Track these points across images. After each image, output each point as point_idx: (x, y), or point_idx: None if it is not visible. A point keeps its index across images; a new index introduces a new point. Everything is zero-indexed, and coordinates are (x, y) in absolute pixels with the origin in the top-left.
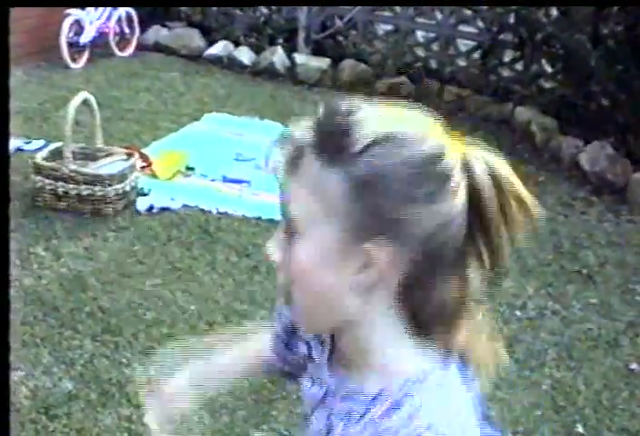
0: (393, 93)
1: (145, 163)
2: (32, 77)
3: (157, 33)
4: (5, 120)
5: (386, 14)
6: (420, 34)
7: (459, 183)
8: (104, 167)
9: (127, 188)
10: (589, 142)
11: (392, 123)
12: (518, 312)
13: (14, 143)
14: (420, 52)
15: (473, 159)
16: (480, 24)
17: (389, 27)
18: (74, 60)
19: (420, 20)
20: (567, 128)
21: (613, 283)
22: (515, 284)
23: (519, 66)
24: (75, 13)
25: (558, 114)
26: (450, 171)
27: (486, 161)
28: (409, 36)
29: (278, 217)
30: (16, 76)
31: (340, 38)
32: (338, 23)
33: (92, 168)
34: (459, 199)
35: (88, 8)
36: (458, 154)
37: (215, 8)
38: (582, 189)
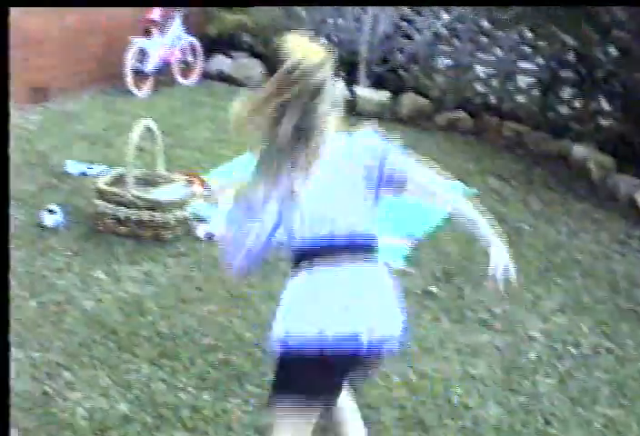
0: (452, 127)
1: (204, 190)
2: (97, 103)
3: (221, 62)
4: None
5: (447, 48)
6: (480, 70)
7: None
8: (164, 193)
9: (187, 214)
10: None
11: None
12: (572, 350)
13: (78, 168)
14: (480, 87)
15: None
16: (540, 60)
17: (449, 62)
18: (138, 87)
19: (480, 55)
20: (624, 166)
21: None
22: (569, 321)
23: (578, 104)
24: (140, 41)
25: (615, 152)
26: None
27: None
28: (469, 71)
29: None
30: (82, 101)
31: (400, 72)
32: (399, 56)
33: (153, 194)
34: None
35: (153, 37)
36: None
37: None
38: (638, 227)
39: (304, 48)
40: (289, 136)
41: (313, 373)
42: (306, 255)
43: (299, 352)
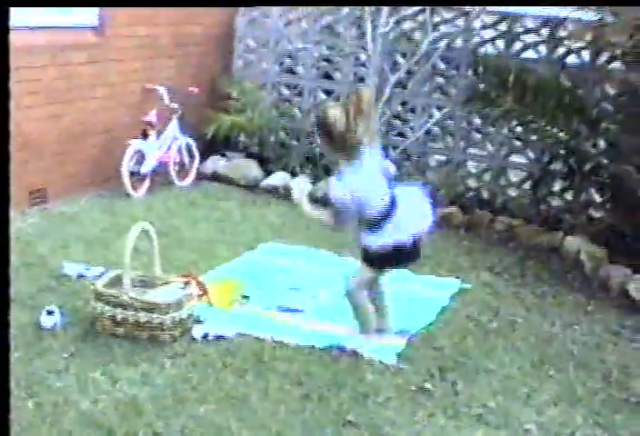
0: (444, 222)
1: (201, 292)
2: (94, 205)
3: (216, 163)
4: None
5: (439, 145)
6: (472, 165)
7: None
8: (161, 295)
9: (184, 316)
10: (638, 271)
11: None
12: None
13: (75, 269)
14: (472, 182)
15: None
16: (530, 154)
17: (442, 158)
18: (134, 189)
19: (472, 151)
20: (616, 257)
21: None
22: (563, 413)
23: (569, 196)
24: (136, 143)
25: (607, 243)
26: None
27: None
28: (461, 167)
29: (328, 346)
30: (79, 204)
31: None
32: (391, 153)
33: (150, 296)
34: None
35: (150, 139)
36: None
37: (272, 140)
38: (631, 317)
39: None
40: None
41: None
42: None
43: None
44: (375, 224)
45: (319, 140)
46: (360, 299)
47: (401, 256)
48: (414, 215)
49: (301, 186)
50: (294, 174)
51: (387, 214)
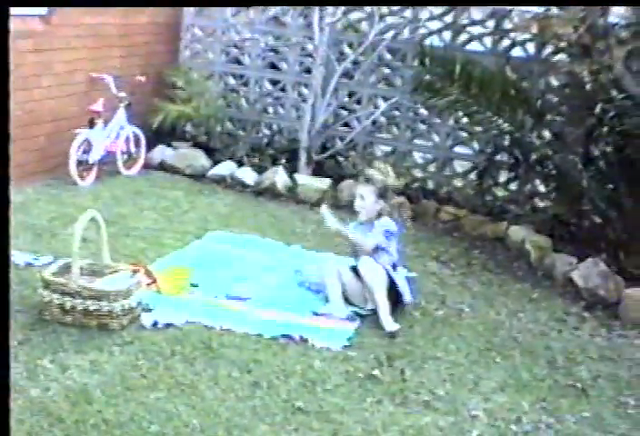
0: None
1: (150, 280)
2: (41, 195)
3: (163, 152)
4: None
5: (385, 136)
6: (418, 156)
7: None
8: (110, 283)
9: (133, 304)
10: (582, 259)
11: None
12: (514, 427)
13: (23, 258)
14: (418, 173)
15: None
16: (476, 145)
17: (388, 148)
18: (82, 178)
19: (418, 142)
20: (561, 246)
21: (606, 397)
22: (510, 399)
23: (514, 186)
24: (84, 132)
25: (552, 233)
26: None
27: None
28: (407, 157)
29: (276, 334)
30: (26, 194)
31: (340, 159)
32: (339, 144)
33: (98, 284)
34: None
35: (97, 128)
36: None
37: (219, 130)
38: (575, 305)
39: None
40: None
41: None
42: None
43: None
44: None
45: None
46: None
47: None
48: None
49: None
50: (240, 164)
51: None
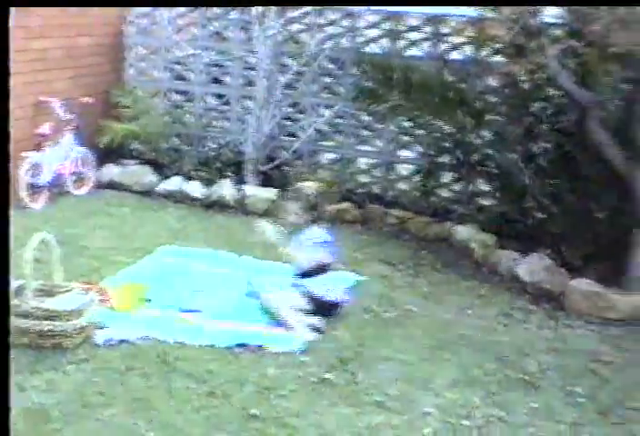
0: (339, 218)
1: (103, 297)
2: None
3: (111, 171)
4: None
5: (330, 143)
6: (363, 161)
7: None
8: (62, 303)
9: (86, 322)
10: (527, 254)
11: None
12: (466, 422)
13: None
14: (363, 178)
15: None
16: (419, 148)
17: (333, 156)
18: (33, 201)
19: (362, 148)
20: (506, 243)
21: (555, 387)
22: (462, 395)
23: (457, 187)
24: (32, 155)
25: (496, 230)
26: None
27: None
28: (352, 164)
29: (231, 344)
30: None
31: (287, 168)
32: (284, 154)
33: (51, 304)
34: None
35: (45, 151)
36: None
37: (166, 146)
38: (521, 299)
39: None
40: None
41: None
42: None
43: None
44: None
45: None
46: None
47: None
48: None
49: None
50: (188, 178)
51: None
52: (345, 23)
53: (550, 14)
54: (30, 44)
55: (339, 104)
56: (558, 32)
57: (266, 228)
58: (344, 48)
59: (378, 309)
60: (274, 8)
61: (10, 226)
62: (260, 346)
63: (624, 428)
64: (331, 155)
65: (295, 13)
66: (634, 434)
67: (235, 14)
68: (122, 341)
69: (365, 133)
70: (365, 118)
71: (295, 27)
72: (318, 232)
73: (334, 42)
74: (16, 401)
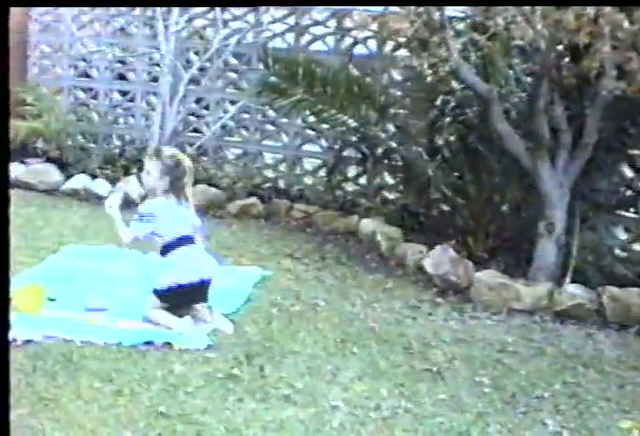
0: (244, 214)
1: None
2: None
3: (15, 169)
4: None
5: (235, 139)
6: (268, 156)
7: None
8: None
9: None
10: (432, 247)
11: None
12: (372, 414)
13: None
14: (269, 173)
15: None
16: (323, 142)
17: (239, 151)
18: None
19: (267, 143)
20: (411, 236)
21: (461, 378)
22: (369, 388)
23: (363, 180)
24: None
25: (402, 223)
26: None
27: None
28: (258, 159)
29: (138, 342)
30: None
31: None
32: (188, 149)
33: None
34: None
35: None
36: None
37: (70, 144)
38: (428, 292)
39: None
40: None
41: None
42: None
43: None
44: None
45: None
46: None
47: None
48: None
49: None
50: (94, 177)
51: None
52: (250, 18)
53: (453, 7)
54: None
55: (244, 99)
56: (461, 25)
57: (113, 199)
58: (248, 43)
59: (284, 303)
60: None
61: (10, 226)
62: (166, 343)
63: (529, 416)
64: (237, 151)
65: (198, 9)
66: (539, 421)
67: (139, 10)
68: (26, 342)
69: (271, 128)
70: (271, 113)
71: (200, 23)
72: (147, 205)
73: (238, 37)
74: None
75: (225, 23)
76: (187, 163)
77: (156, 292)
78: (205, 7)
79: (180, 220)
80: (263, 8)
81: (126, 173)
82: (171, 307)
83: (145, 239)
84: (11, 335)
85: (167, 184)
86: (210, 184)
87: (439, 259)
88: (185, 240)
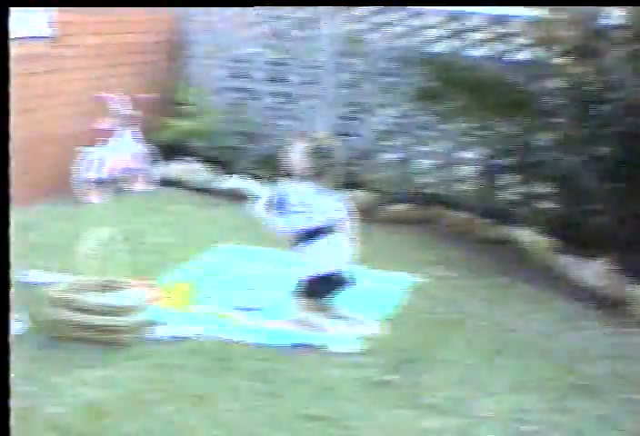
0: (398, 219)
1: (159, 294)
2: (51, 213)
3: (170, 168)
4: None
5: (391, 143)
6: (424, 162)
7: None
8: (120, 298)
9: (143, 318)
10: (589, 259)
11: None
12: (525, 427)
13: (35, 276)
14: (424, 179)
15: None
16: (480, 149)
17: (394, 156)
18: (91, 196)
19: (423, 148)
20: (567, 247)
21: (615, 394)
22: (518, 400)
23: (519, 189)
24: (91, 150)
25: (558, 234)
26: None
27: None
28: (413, 164)
29: (288, 343)
30: (37, 211)
31: (348, 168)
32: (345, 153)
33: (109, 299)
34: None
35: (105, 146)
36: None
37: (226, 144)
38: (582, 305)
39: None
40: None
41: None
42: None
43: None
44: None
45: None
46: None
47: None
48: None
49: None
50: (246, 177)
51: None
52: (409, 22)
53: (614, 15)
54: (85, 40)
55: (400, 104)
56: (623, 34)
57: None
58: (407, 48)
59: (436, 311)
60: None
61: (10, 226)
62: (319, 346)
63: None
64: (392, 155)
65: (360, 12)
66: None
67: (298, 12)
68: (178, 338)
69: (426, 133)
70: (427, 119)
71: (359, 26)
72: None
73: (397, 41)
74: (72, 397)
75: (384, 26)
76: (332, 145)
77: (299, 285)
78: (365, 10)
79: (323, 207)
80: (424, 13)
81: (278, 174)
82: (316, 303)
83: (293, 231)
84: (162, 331)
85: (311, 168)
86: (364, 189)
87: (596, 272)
88: (327, 228)
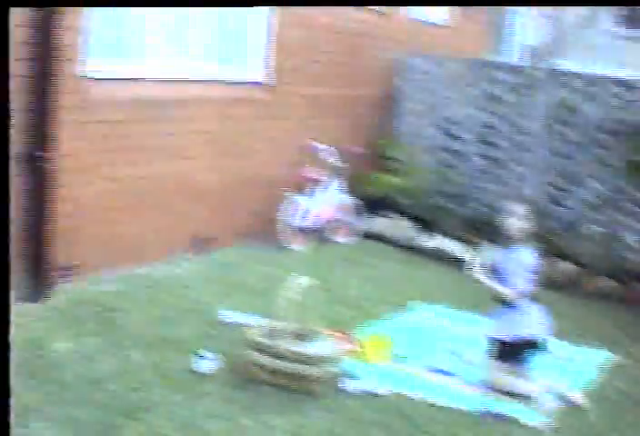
0: (600, 294)
1: (354, 347)
2: (253, 255)
3: (375, 222)
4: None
5: (596, 216)
6: (630, 238)
7: None
8: (315, 348)
9: (336, 370)
10: None
11: None
12: None
13: (232, 317)
14: (630, 255)
15: None
16: None
17: (601, 229)
18: (293, 242)
19: (631, 223)
20: None
21: None
22: None
23: None
24: (297, 197)
25: None
26: None
27: None
28: (619, 239)
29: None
30: (239, 253)
31: (553, 238)
32: (552, 223)
33: (304, 348)
34: None
35: (310, 194)
36: None
37: (430, 202)
38: None
39: None
40: None
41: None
42: None
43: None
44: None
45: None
46: None
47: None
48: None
49: (463, 252)
50: (450, 237)
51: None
52: (624, 94)
53: None
54: (304, 90)
55: (609, 176)
56: None
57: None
58: (619, 120)
59: (632, 392)
60: (552, 74)
61: (10, 226)
62: (509, 417)
63: None
64: (599, 229)
65: (568, 79)
66: None
67: (511, 77)
68: (369, 393)
69: (634, 208)
70: (636, 193)
71: (572, 94)
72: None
73: (609, 112)
74: None
75: (597, 96)
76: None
77: (495, 347)
78: (579, 82)
79: (528, 271)
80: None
81: (483, 238)
82: (510, 367)
83: (515, 294)
84: (355, 385)
85: (527, 230)
86: (568, 260)
87: None
88: (528, 293)
